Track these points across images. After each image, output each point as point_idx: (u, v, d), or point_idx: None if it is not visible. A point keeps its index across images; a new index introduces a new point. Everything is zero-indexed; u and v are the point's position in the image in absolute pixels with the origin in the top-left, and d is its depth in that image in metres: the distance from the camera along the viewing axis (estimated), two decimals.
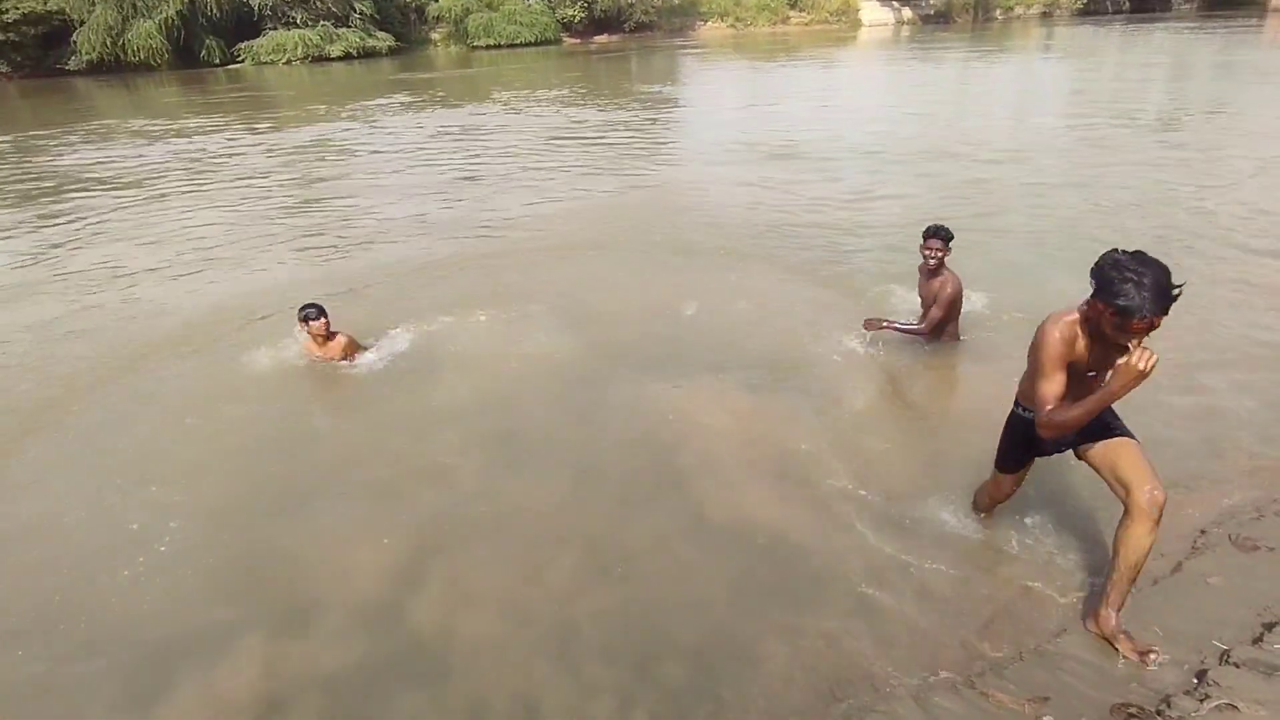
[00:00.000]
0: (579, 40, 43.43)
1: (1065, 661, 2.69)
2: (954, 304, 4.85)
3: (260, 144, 15.05)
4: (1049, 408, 2.57)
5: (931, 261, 4.77)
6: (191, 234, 8.85)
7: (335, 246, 8.23)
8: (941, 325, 4.93)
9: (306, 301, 5.22)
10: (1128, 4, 52.87)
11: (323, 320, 5.11)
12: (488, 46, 40.42)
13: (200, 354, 5.67)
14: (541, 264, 7.30)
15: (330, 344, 5.21)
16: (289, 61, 36.07)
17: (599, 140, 13.85)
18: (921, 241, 4.76)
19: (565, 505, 3.82)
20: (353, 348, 5.31)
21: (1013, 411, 3.02)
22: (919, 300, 5.07)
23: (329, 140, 15.18)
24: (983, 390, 4.57)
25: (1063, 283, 6.17)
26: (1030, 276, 6.38)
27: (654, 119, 16.48)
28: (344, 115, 18.57)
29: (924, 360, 5.00)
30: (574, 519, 3.72)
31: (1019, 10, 51.83)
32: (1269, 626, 2.74)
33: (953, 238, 4.76)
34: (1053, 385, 2.58)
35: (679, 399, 4.71)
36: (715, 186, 10.04)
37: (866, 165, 10.89)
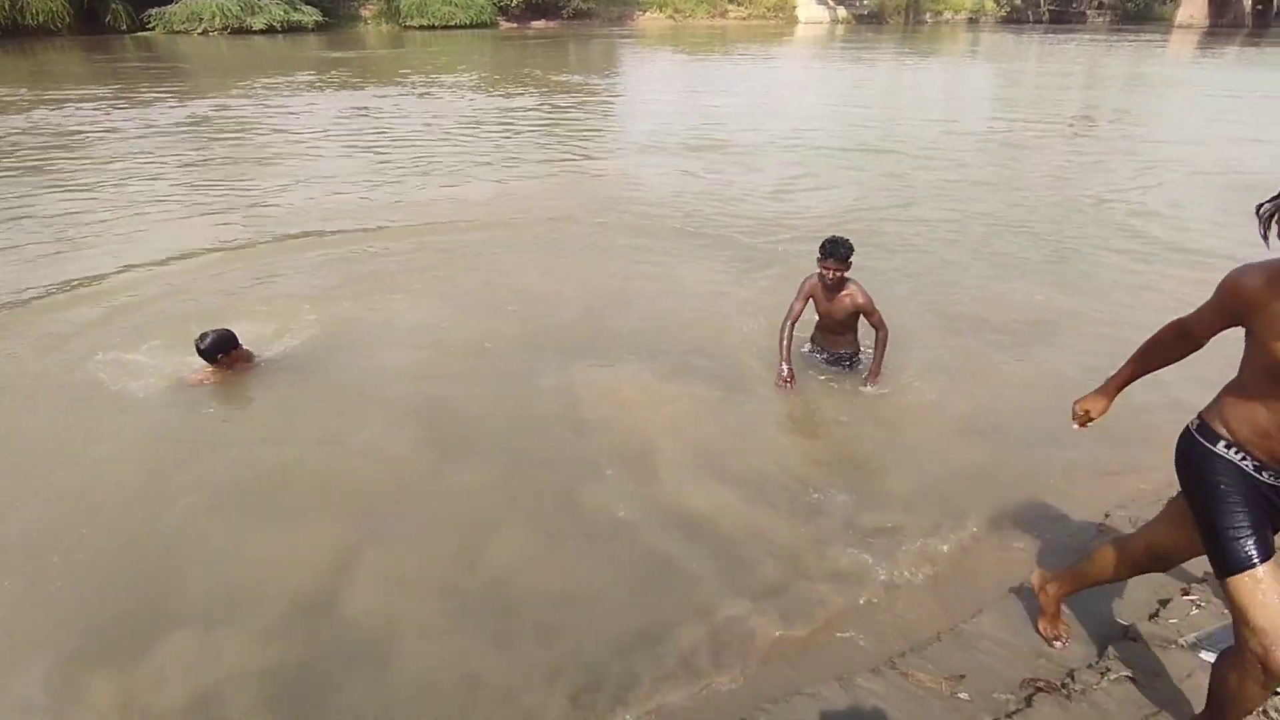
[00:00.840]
0: (515, 25, 42.70)
1: (980, 641, 2.80)
2: (872, 302, 4.59)
3: (152, 117, 14.18)
4: None
5: (830, 279, 4.43)
6: (50, 216, 8.15)
7: (232, 226, 7.80)
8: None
9: (210, 330, 4.56)
10: (1047, 15, 55.57)
11: (234, 350, 4.60)
12: (420, 27, 39.30)
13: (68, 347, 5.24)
14: (461, 249, 7.14)
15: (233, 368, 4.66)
16: (205, 32, 34.22)
17: (528, 126, 13.67)
18: (819, 258, 4.39)
19: (495, 488, 3.78)
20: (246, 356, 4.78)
21: (1219, 457, 2.01)
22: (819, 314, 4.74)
23: (235, 117, 14.44)
24: (895, 378, 4.71)
25: (975, 275, 6.45)
26: (944, 271, 6.62)
27: (587, 107, 16.36)
28: (258, 90, 17.72)
29: None
30: (504, 502, 3.67)
31: (947, 15, 53.75)
32: (1164, 603, 2.91)
33: (852, 253, 4.38)
34: None
35: (605, 383, 4.71)
36: (644, 175, 10.07)
37: (793, 158, 11.11)
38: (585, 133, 13.36)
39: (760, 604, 3.03)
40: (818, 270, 4.46)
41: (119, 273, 6.45)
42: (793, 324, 4.55)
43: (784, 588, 3.12)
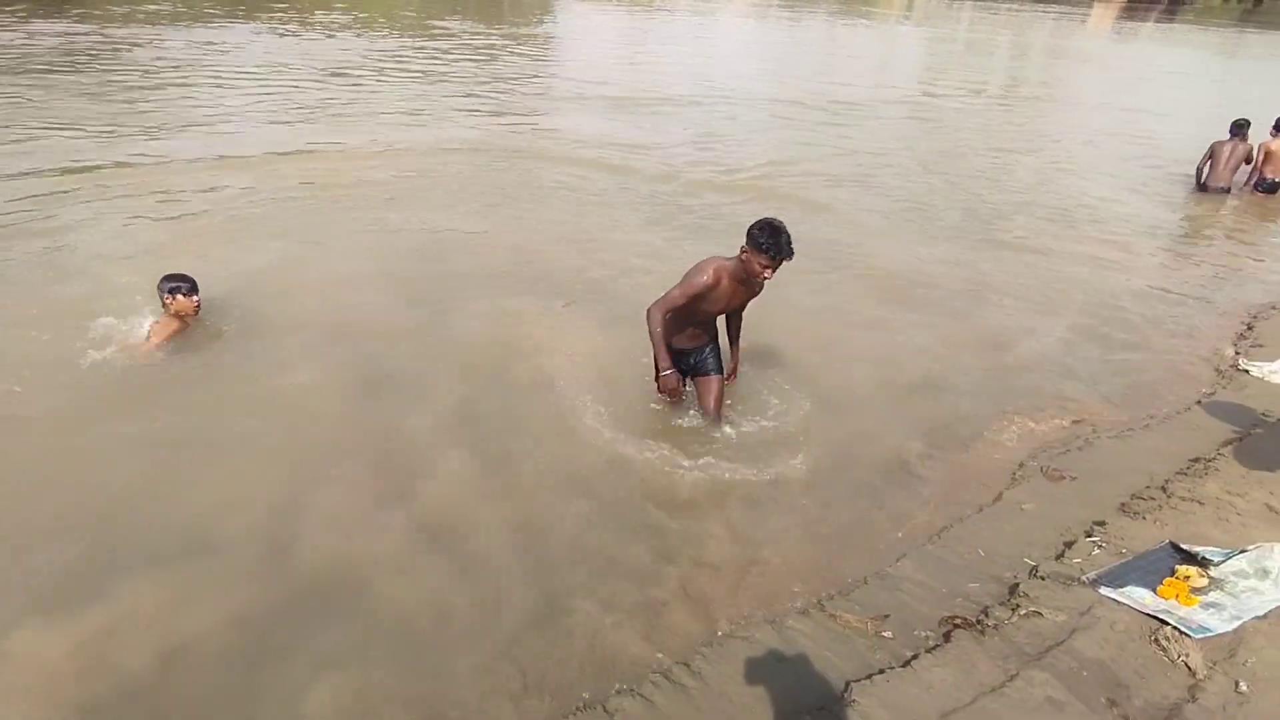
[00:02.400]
0: None
1: (903, 583, 2.94)
2: None
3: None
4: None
5: (765, 279, 3.44)
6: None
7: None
8: None
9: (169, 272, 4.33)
10: None
11: (196, 298, 4.31)
12: None
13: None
14: (372, 200, 6.88)
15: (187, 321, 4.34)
16: None
17: (446, 74, 13.15)
18: (761, 254, 3.28)
19: (434, 429, 3.77)
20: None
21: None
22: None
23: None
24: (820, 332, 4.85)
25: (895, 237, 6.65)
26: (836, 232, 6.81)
27: (516, 56, 15.83)
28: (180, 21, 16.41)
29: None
30: (443, 441, 3.67)
31: None
32: (1069, 545, 3.13)
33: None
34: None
35: (524, 330, 4.74)
36: (565, 126, 9.90)
37: (722, 113, 11.12)
38: (513, 84, 12.95)
39: (696, 557, 3.10)
40: (737, 258, 3.42)
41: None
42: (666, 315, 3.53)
43: (711, 541, 3.20)
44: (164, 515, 3.15)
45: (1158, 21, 37.96)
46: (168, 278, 4.31)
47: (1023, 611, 2.73)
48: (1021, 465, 3.74)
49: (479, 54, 15.09)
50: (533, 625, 2.72)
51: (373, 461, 3.55)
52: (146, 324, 4.29)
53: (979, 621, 2.71)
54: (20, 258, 5.18)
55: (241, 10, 18.48)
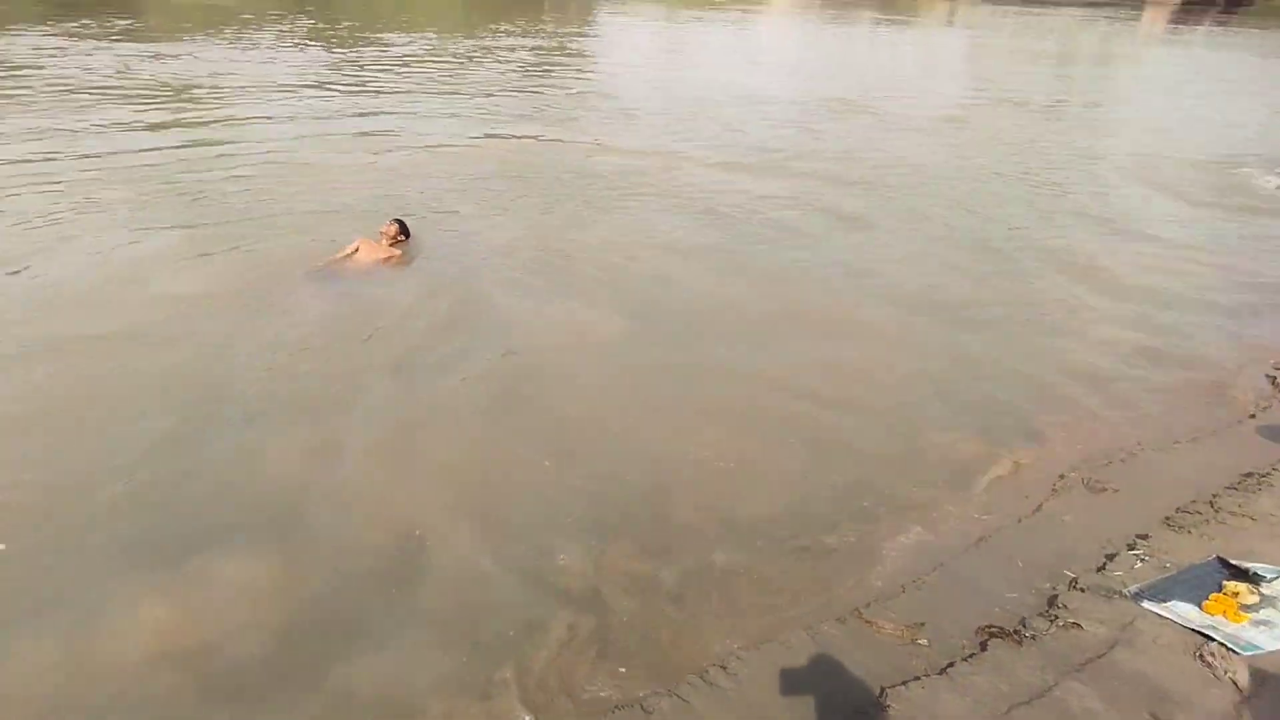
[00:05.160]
0: None
1: (939, 592, 2.95)
2: None
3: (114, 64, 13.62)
4: None
5: None
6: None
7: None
8: None
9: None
10: None
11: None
12: None
13: None
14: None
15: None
16: None
17: (502, 82, 13.40)
18: None
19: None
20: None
21: None
22: None
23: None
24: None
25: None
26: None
27: (557, 65, 16.07)
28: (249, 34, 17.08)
29: None
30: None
31: None
32: (1110, 558, 3.09)
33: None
34: None
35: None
36: (616, 135, 9.99)
37: (771, 119, 11.10)
38: (556, 91, 13.16)
39: (736, 554, 3.15)
40: None
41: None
42: None
43: (759, 543, 3.24)
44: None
45: (1214, 24, 36.81)
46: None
47: (1062, 623, 2.72)
48: (1063, 477, 3.70)
49: (524, 65, 15.31)
50: (567, 623, 2.79)
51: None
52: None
53: (1017, 632, 2.70)
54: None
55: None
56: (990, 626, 2.74)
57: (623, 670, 2.62)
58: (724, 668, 2.60)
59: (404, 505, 3.37)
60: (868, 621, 2.80)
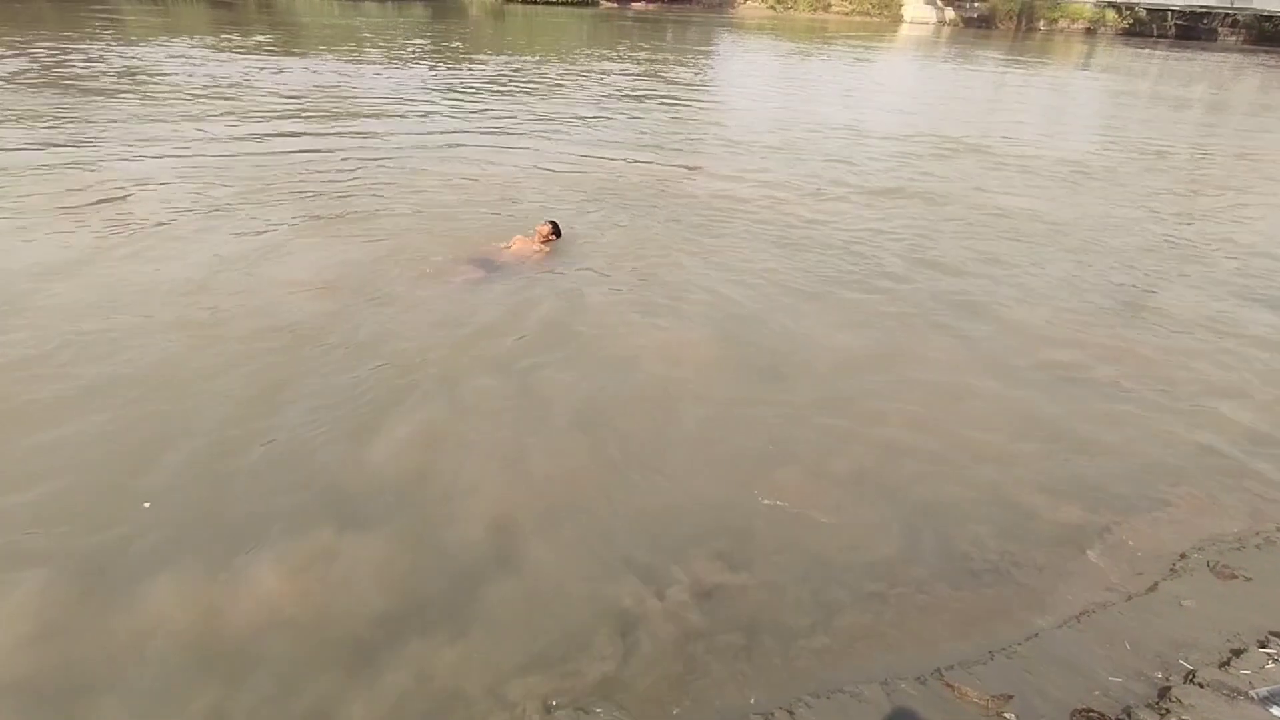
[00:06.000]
0: (616, 4, 42.78)
1: (1034, 664, 2.73)
2: None
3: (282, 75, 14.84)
4: None
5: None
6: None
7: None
8: None
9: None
10: (1173, 29, 52.22)
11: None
12: (522, 1, 39.81)
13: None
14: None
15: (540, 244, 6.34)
16: None
17: (616, 111, 13.70)
18: None
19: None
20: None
21: None
22: None
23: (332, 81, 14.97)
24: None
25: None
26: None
27: (670, 91, 16.28)
28: (375, 56, 18.31)
29: None
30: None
31: (1063, 23, 51.18)
32: (1237, 653, 2.78)
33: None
34: None
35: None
36: (725, 172, 9.98)
37: (890, 164, 10.82)
38: (670, 123, 13.34)
39: (814, 598, 3.03)
40: None
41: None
42: None
43: (837, 585, 3.11)
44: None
45: None
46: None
47: (1173, 719, 2.46)
48: (1184, 556, 3.37)
49: (643, 96, 15.65)
50: (631, 645, 2.77)
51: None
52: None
53: None
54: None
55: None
56: (1088, 710, 2.51)
57: (687, 702, 2.56)
58: (790, 711, 2.50)
59: (501, 504, 3.46)
60: (949, 685, 2.62)
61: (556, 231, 6.43)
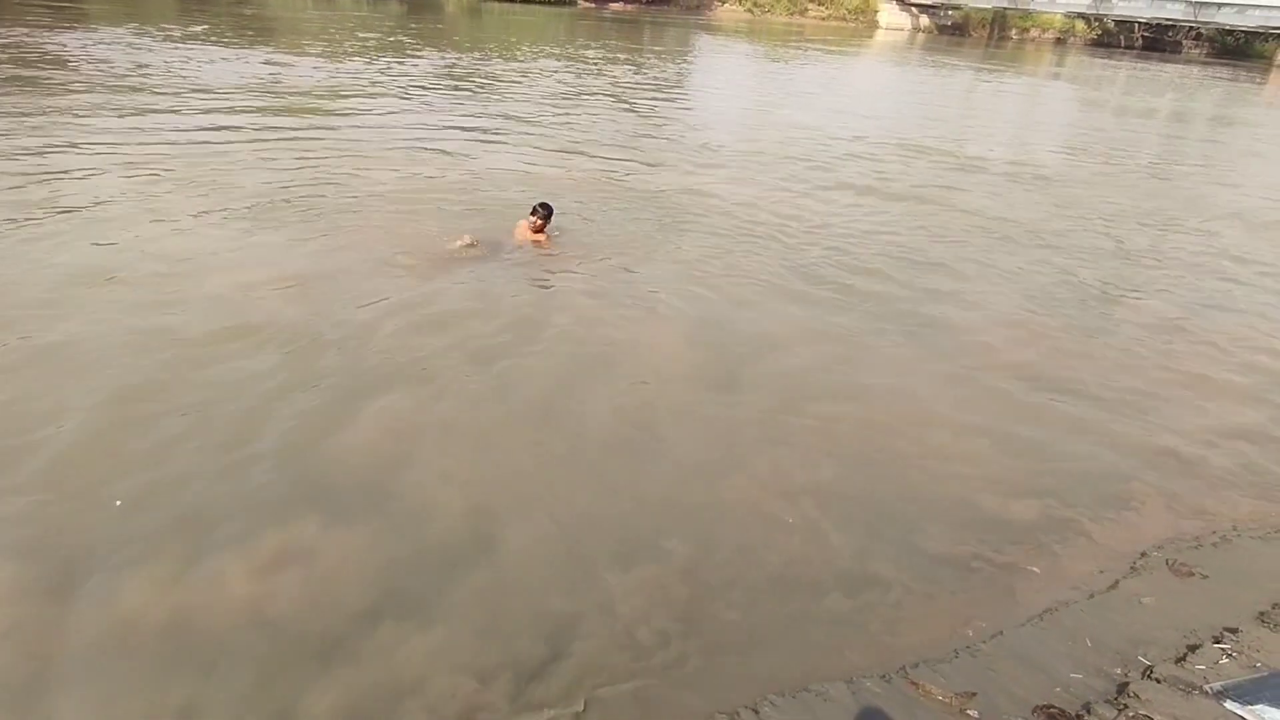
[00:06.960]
0: (594, 4, 42.71)
1: (997, 662, 2.75)
2: None
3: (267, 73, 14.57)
4: None
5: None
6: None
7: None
8: None
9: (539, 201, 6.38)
10: (1140, 41, 53.49)
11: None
12: None
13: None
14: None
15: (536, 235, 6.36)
16: None
17: (591, 110, 13.66)
18: None
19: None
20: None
21: None
22: None
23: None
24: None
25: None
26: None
27: (649, 93, 16.29)
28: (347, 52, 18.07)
29: None
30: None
31: (1034, 32, 52.15)
32: (1192, 649, 2.83)
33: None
34: None
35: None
36: (704, 181, 10.00)
37: (859, 167, 10.92)
38: (640, 125, 13.35)
39: (782, 600, 3.02)
40: None
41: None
42: None
43: (801, 585, 3.11)
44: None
45: None
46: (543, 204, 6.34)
47: (1131, 713, 2.49)
48: (1144, 555, 3.43)
49: (618, 98, 15.64)
50: (605, 640, 2.74)
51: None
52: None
53: (1079, 716, 2.50)
54: None
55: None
56: (1050, 707, 2.54)
57: (651, 700, 2.54)
58: (755, 710, 2.49)
59: (480, 496, 3.44)
60: (914, 683, 2.63)
61: (547, 215, 6.29)
